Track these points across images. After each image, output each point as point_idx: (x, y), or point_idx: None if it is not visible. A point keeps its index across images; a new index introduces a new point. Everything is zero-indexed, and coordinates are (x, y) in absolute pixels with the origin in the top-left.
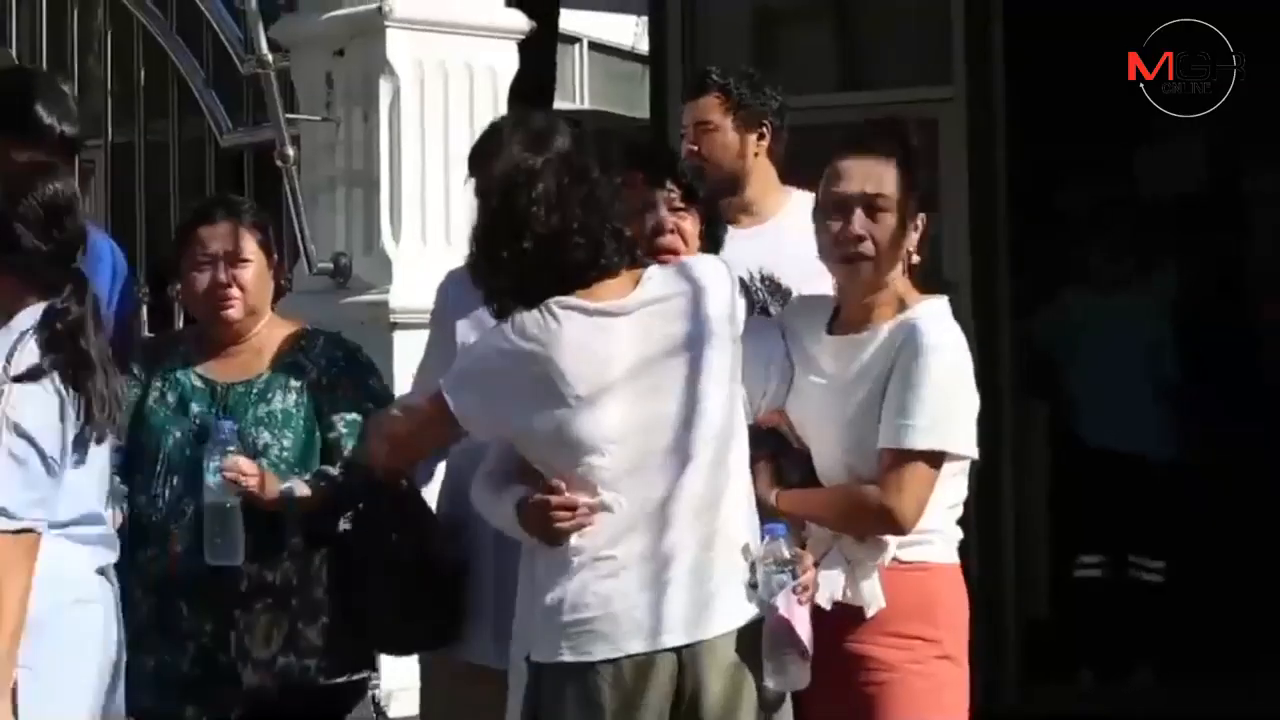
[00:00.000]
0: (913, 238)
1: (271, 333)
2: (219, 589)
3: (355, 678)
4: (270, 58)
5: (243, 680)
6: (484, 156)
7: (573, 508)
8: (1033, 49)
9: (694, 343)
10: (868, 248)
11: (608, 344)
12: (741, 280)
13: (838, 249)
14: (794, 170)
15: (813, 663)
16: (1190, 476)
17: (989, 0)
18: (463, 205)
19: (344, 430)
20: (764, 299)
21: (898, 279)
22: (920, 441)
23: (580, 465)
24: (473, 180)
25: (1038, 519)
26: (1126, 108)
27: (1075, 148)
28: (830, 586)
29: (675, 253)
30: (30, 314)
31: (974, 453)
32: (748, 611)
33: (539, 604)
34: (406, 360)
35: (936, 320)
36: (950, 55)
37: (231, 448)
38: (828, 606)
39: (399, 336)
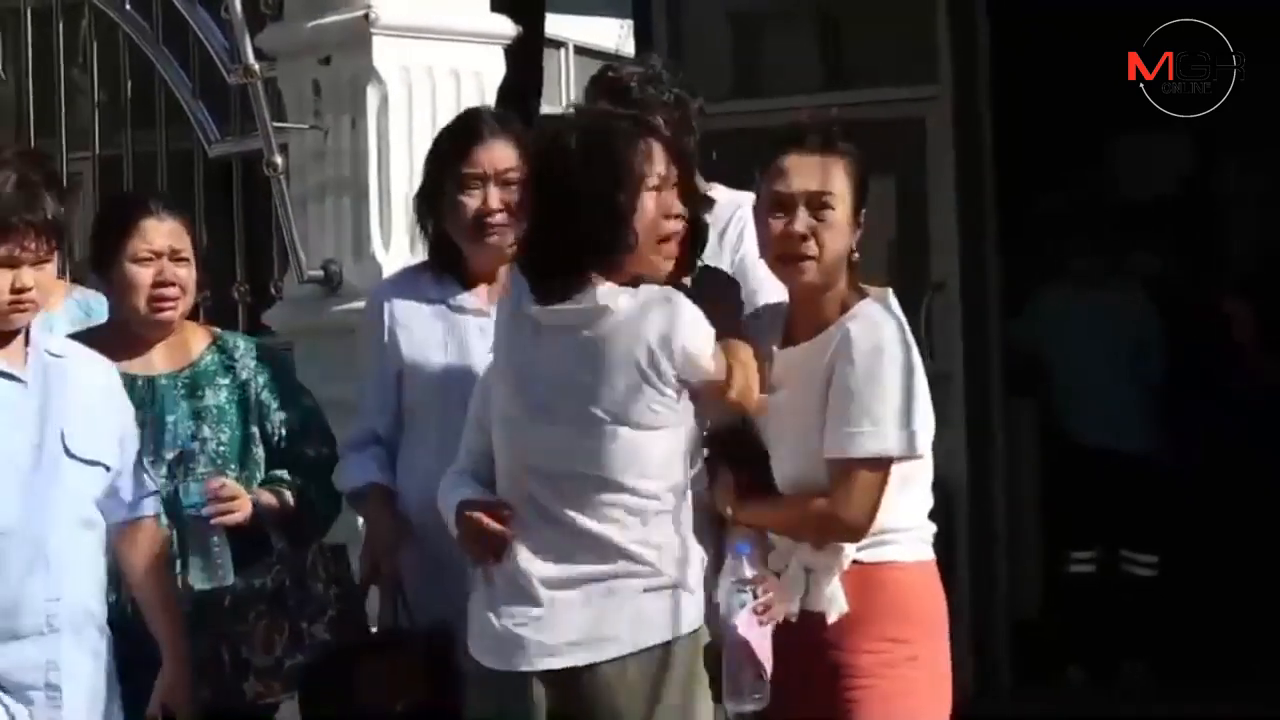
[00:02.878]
0: (856, 237)
1: (186, 333)
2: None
3: None
4: (257, 67)
5: (245, 692)
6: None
7: (502, 540)
8: (1019, 46)
9: (617, 367)
10: (810, 247)
11: (537, 353)
12: None
13: (777, 247)
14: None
15: (785, 672)
16: (1179, 473)
17: None
18: None
19: (296, 428)
20: None
21: (843, 280)
22: (861, 448)
23: (511, 476)
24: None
25: (1029, 518)
26: (1114, 105)
27: (1062, 145)
28: (792, 597)
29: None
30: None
31: (919, 452)
32: (646, 637)
33: (476, 605)
34: None
35: (870, 321)
36: (936, 54)
37: (207, 471)
38: (780, 618)
39: None
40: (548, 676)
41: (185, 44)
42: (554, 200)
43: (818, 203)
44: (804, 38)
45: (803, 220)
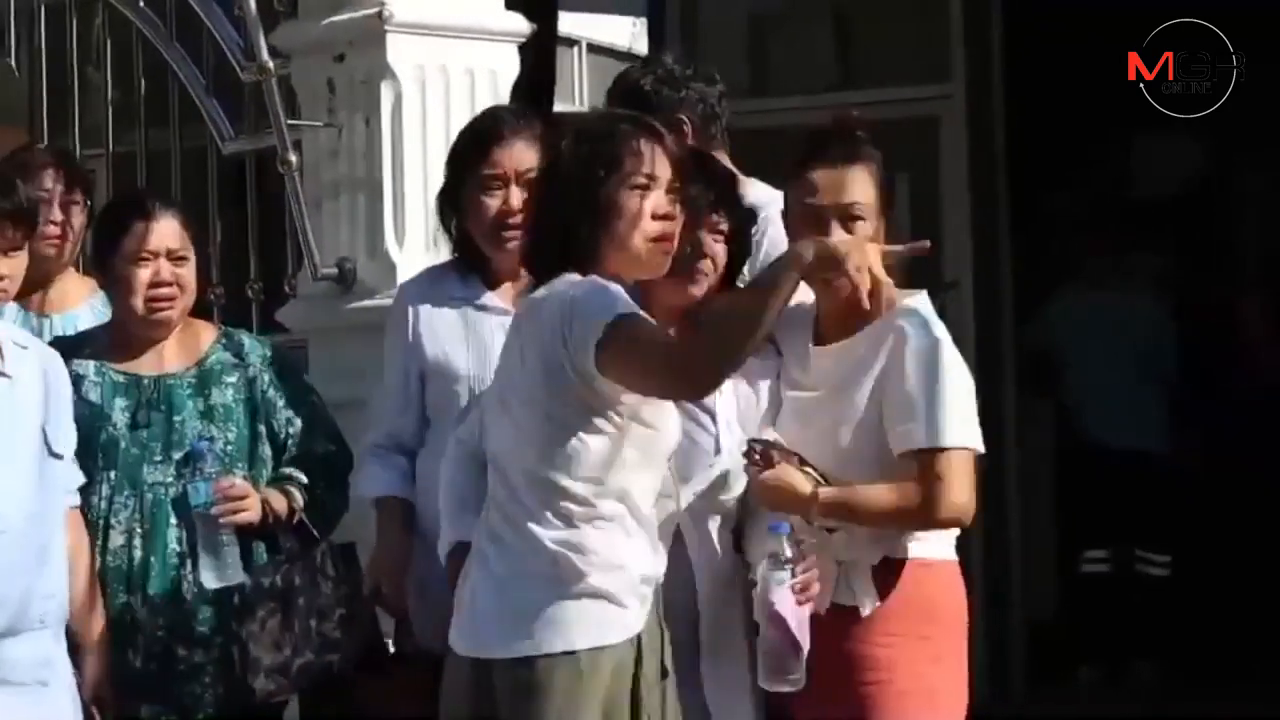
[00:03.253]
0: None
1: (189, 332)
2: (173, 587)
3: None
4: (271, 64)
5: (255, 690)
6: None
7: None
8: (1032, 45)
9: (535, 353)
10: None
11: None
12: None
13: None
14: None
15: (809, 665)
16: (1192, 472)
17: None
18: None
19: (303, 426)
20: None
21: None
22: (953, 438)
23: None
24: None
25: (1043, 519)
26: (1127, 105)
27: (1076, 145)
28: (825, 590)
29: (706, 276)
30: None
31: (981, 448)
32: (556, 642)
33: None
34: None
35: (924, 320)
36: (949, 53)
37: (216, 470)
38: (821, 611)
39: None
40: (478, 664)
41: (199, 41)
42: (543, 192)
43: (848, 215)
44: (817, 37)
45: (836, 234)
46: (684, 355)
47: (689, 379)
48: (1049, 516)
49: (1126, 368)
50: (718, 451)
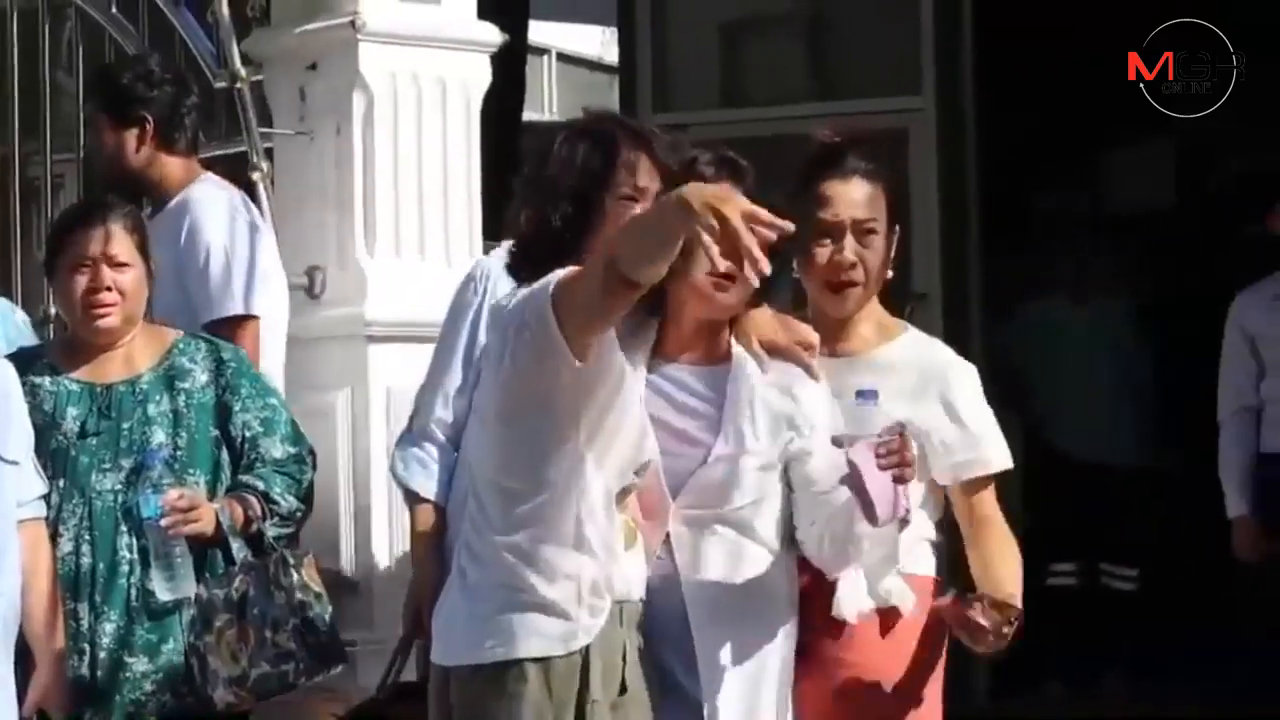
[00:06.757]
0: (890, 254)
1: (144, 338)
2: (121, 595)
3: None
4: (243, 72)
5: (215, 701)
6: None
7: None
8: (1003, 58)
9: (499, 365)
10: (859, 274)
11: None
12: None
13: (830, 276)
14: (768, 183)
15: (810, 674)
16: (1162, 485)
17: (959, 9)
18: (436, 217)
19: (259, 429)
20: None
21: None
22: (1005, 461)
23: None
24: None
25: (1010, 530)
26: (1098, 117)
27: (1046, 156)
28: (857, 601)
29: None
30: None
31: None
32: (484, 651)
33: None
34: (381, 374)
35: (945, 347)
36: (920, 65)
37: (168, 481)
38: (854, 620)
39: (374, 349)
40: (444, 672)
41: (171, 47)
42: (530, 198)
43: (862, 229)
44: (789, 47)
45: (851, 247)
46: (606, 251)
47: (613, 273)
48: (1016, 528)
49: (1098, 380)
50: (704, 461)
